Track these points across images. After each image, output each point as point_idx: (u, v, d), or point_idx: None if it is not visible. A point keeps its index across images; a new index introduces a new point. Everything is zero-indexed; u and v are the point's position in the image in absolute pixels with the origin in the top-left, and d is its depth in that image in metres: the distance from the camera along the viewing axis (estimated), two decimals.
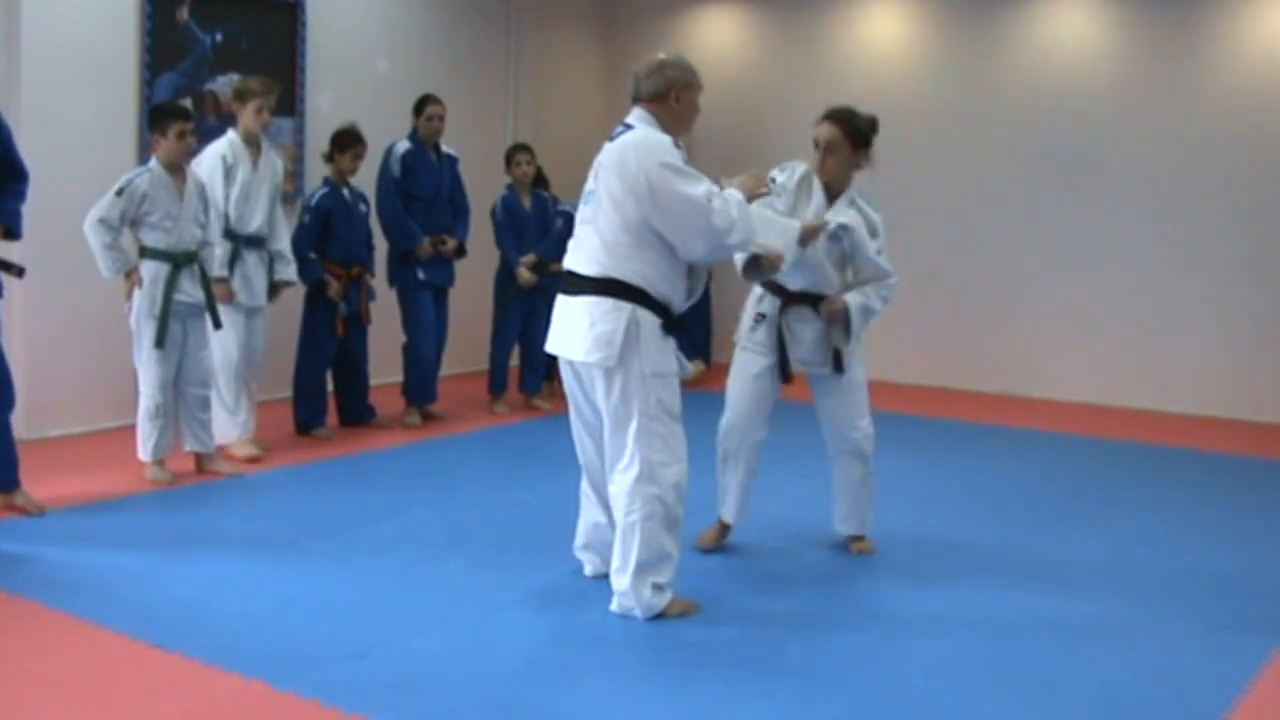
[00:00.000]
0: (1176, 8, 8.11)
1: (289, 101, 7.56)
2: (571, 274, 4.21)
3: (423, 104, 7.11)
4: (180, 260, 5.64)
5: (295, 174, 7.62)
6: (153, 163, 5.63)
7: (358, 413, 7.01)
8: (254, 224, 6.22)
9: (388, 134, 7.18)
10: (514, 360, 7.78)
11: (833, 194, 4.81)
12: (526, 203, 7.63)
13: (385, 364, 7.39)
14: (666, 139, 4.11)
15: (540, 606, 4.32)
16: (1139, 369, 8.31)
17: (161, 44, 6.84)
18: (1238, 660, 4.01)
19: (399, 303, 7.20)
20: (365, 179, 6.95)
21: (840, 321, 4.79)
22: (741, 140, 9.35)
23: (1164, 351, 8.23)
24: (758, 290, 4.92)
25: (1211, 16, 8.02)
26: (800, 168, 4.83)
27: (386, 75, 8.15)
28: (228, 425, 6.17)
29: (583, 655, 3.93)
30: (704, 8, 9.85)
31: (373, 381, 7.11)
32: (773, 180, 4.70)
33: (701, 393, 6.86)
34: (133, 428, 5.81)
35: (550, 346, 4.30)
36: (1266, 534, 5.52)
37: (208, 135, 6.40)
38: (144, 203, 5.54)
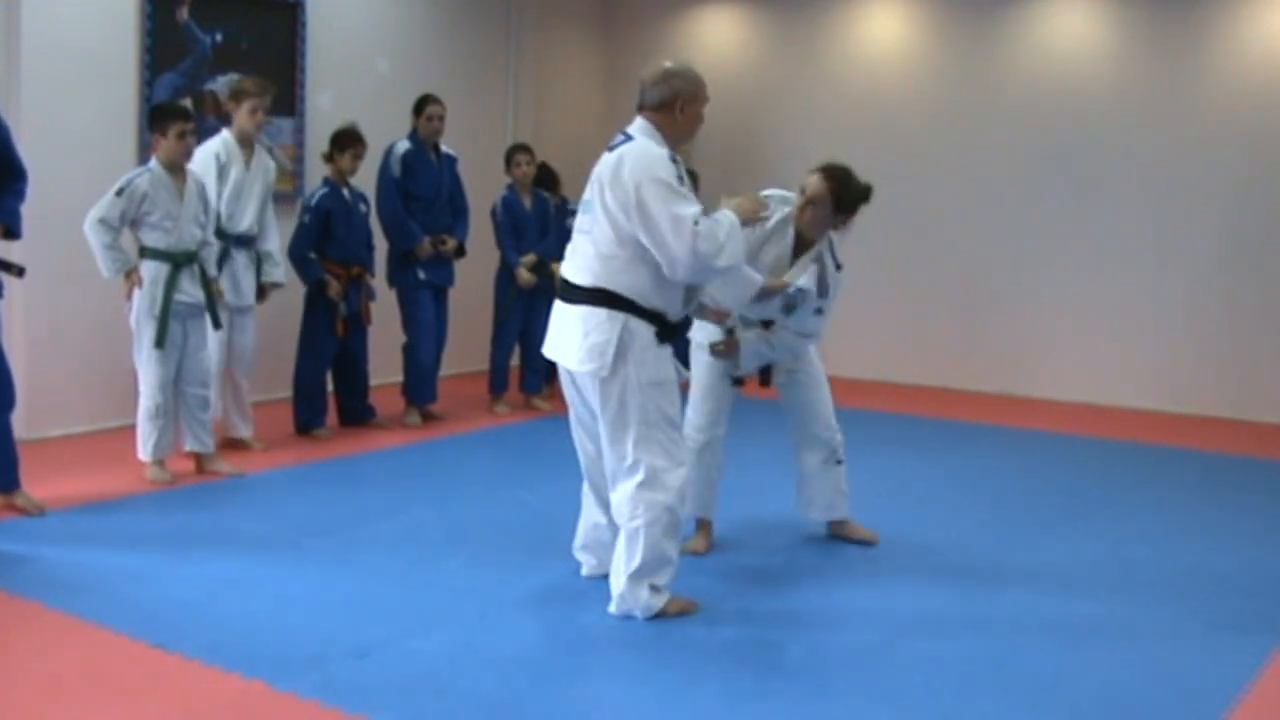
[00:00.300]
0: (1176, 8, 8.11)
1: (289, 101, 7.56)
2: (566, 282, 4.22)
3: (423, 104, 7.11)
4: (180, 260, 5.64)
5: (295, 174, 7.62)
6: (153, 163, 5.63)
7: (358, 413, 7.01)
8: (244, 223, 6.24)
9: (388, 134, 7.18)
10: (514, 360, 7.78)
11: (802, 245, 4.77)
12: (527, 203, 7.63)
13: (385, 364, 7.39)
14: (663, 153, 4.07)
15: (540, 606, 4.32)
16: (1139, 369, 8.31)
17: (161, 44, 6.84)
18: (1238, 660, 4.01)
19: (399, 303, 7.20)
20: (365, 179, 6.95)
21: (731, 358, 4.84)
22: (741, 140, 9.36)
23: (1164, 351, 8.23)
24: None
25: (1211, 16, 8.02)
26: (784, 208, 4.75)
27: (386, 75, 8.15)
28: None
29: (582, 655, 3.94)
30: (704, 8, 9.85)
31: (373, 381, 7.11)
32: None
33: None
34: (133, 428, 5.81)
35: (547, 351, 4.31)
36: (1266, 534, 5.52)
37: (208, 135, 6.39)
38: (144, 203, 5.54)
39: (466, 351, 8.26)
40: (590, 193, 4.18)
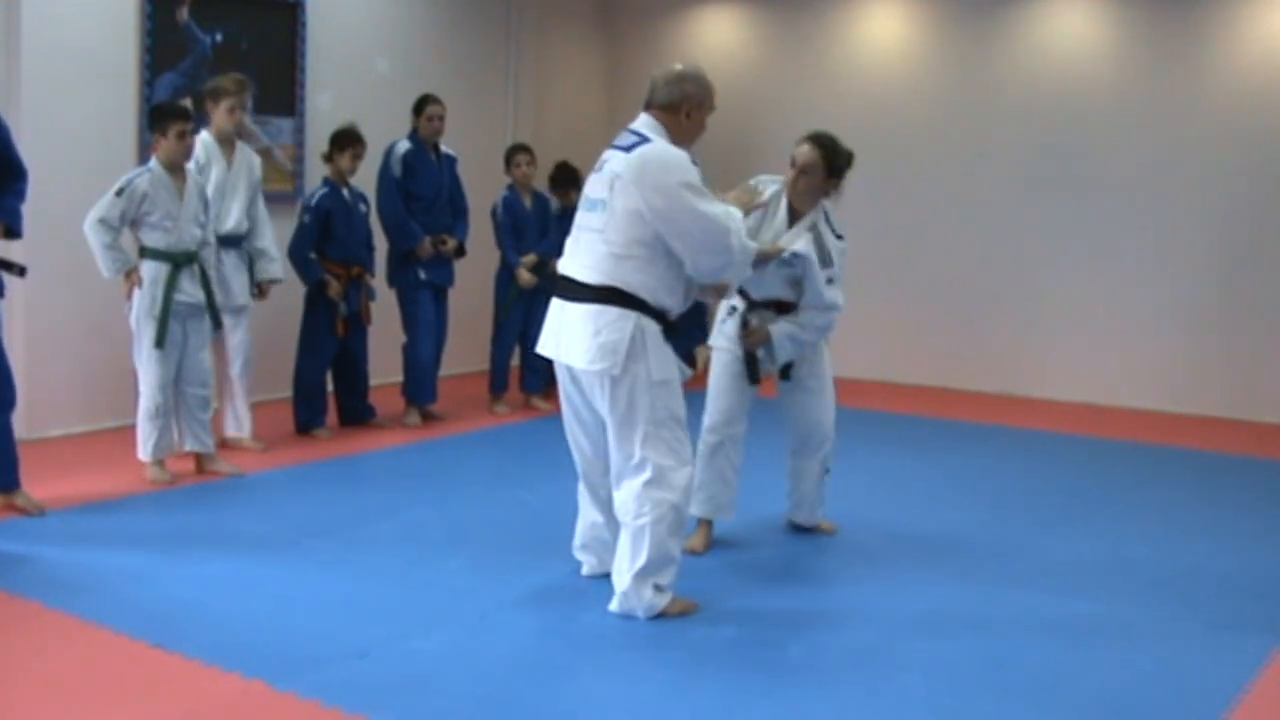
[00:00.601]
0: (1176, 8, 8.11)
1: (289, 101, 7.56)
2: (569, 280, 4.21)
3: (423, 104, 7.11)
4: (180, 260, 5.64)
5: (295, 174, 7.62)
6: (153, 163, 5.63)
7: (358, 413, 7.01)
8: (229, 223, 6.22)
9: (388, 134, 7.18)
10: (514, 360, 7.78)
11: (795, 216, 4.87)
12: (527, 203, 7.63)
13: (385, 364, 7.39)
14: (684, 155, 4.12)
15: (540, 606, 4.32)
16: (1139, 369, 8.31)
17: (161, 44, 6.84)
18: (1238, 660, 4.02)
19: (399, 303, 7.20)
20: (364, 179, 6.95)
21: (761, 347, 4.89)
22: (741, 140, 9.35)
23: (1164, 351, 8.23)
24: None
25: (1211, 17, 8.02)
26: (772, 186, 4.91)
27: (386, 75, 8.15)
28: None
29: (583, 655, 3.93)
30: (704, 8, 9.85)
31: (373, 381, 7.11)
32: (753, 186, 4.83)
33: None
34: (133, 428, 5.81)
35: (544, 350, 4.29)
36: (1266, 534, 5.53)
37: None
38: (144, 203, 5.54)
39: (466, 351, 8.26)
40: (599, 191, 4.16)
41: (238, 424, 6.40)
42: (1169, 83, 8.16)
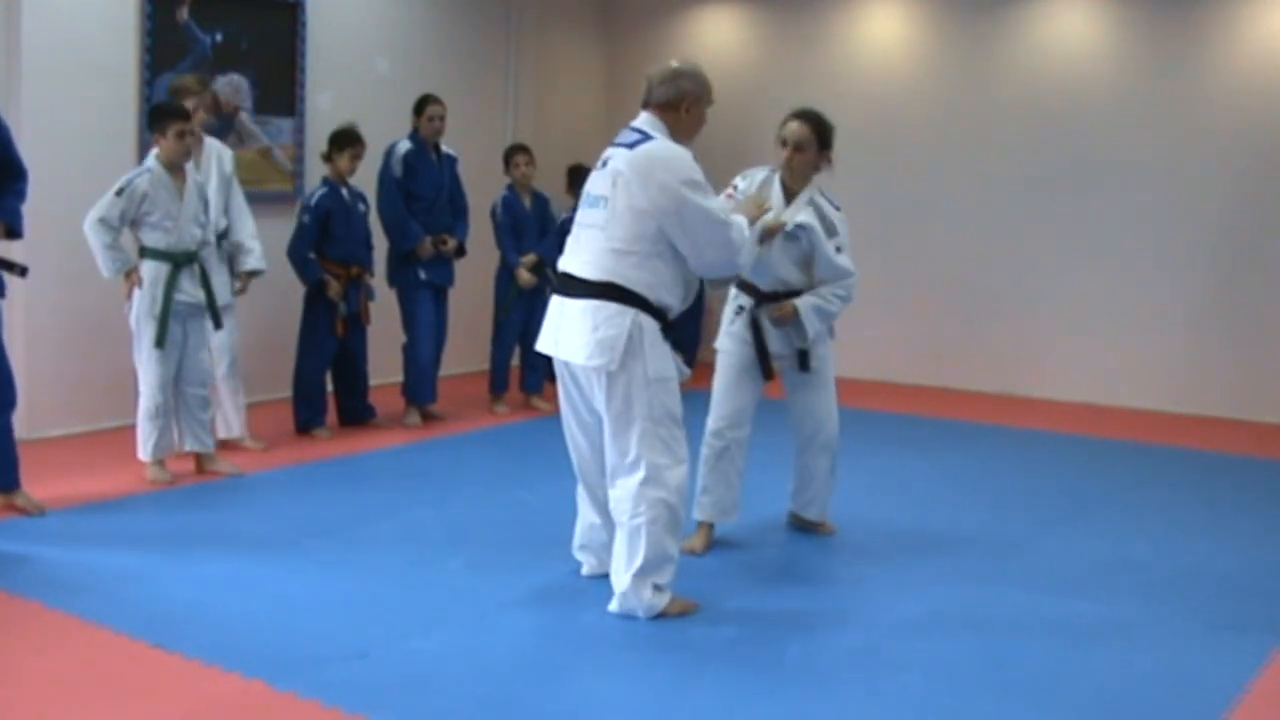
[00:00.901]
0: (1176, 8, 8.11)
1: (289, 101, 7.56)
2: (569, 276, 4.21)
3: (423, 104, 7.11)
4: (180, 260, 5.64)
5: (295, 174, 7.62)
6: (152, 162, 5.62)
7: (357, 413, 7.01)
8: None
9: (388, 134, 7.18)
10: (514, 360, 7.78)
11: (791, 194, 4.94)
12: (527, 203, 7.63)
13: (385, 364, 7.39)
14: (688, 154, 4.15)
15: (540, 606, 4.32)
16: (1139, 369, 8.30)
17: (161, 44, 6.84)
18: (1238, 660, 4.02)
19: (399, 303, 7.20)
20: (364, 179, 6.95)
21: (789, 324, 4.93)
22: (741, 140, 9.34)
23: (1163, 351, 8.23)
24: (734, 289, 5.05)
25: (1211, 16, 8.02)
26: (760, 173, 4.99)
27: (386, 75, 8.15)
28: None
29: (583, 655, 3.93)
30: (704, 8, 9.84)
31: (373, 381, 7.11)
32: (735, 187, 4.93)
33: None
34: (133, 428, 5.81)
35: (543, 346, 4.29)
36: (1266, 534, 5.53)
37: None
38: (144, 203, 5.54)
39: (466, 351, 8.26)
40: (600, 188, 4.18)
41: (226, 427, 6.35)
42: (1169, 82, 8.16)
